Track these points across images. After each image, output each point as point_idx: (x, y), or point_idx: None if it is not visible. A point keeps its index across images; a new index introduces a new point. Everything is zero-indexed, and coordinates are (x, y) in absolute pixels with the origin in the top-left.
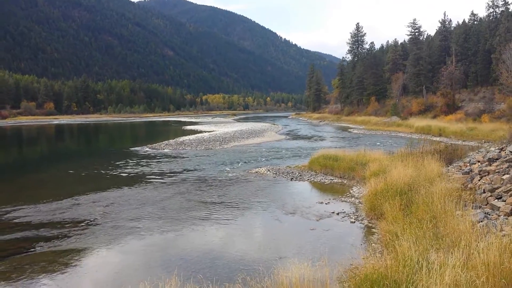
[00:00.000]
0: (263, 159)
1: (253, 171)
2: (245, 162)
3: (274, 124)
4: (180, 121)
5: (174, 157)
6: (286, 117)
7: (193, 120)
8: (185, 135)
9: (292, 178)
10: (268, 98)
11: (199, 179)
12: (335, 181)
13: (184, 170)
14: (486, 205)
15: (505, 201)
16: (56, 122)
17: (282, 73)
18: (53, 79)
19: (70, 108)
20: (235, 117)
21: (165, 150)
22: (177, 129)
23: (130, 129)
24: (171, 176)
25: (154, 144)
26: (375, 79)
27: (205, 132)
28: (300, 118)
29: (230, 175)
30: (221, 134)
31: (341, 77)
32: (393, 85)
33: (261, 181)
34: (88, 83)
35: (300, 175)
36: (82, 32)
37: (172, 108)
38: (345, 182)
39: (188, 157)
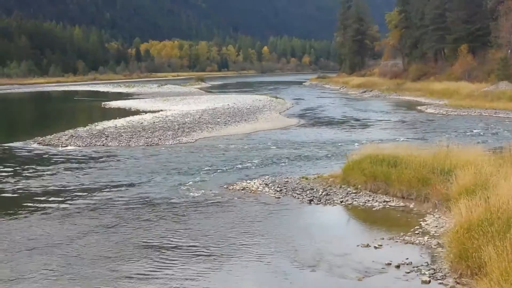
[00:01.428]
0: (256, 164)
1: (238, 187)
2: (222, 169)
3: (277, 98)
4: (99, 92)
5: (87, 160)
6: (299, 83)
7: (124, 90)
8: (108, 118)
9: (311, 200)
10: (266, 48)
11: (135, 201)
12: (392, 204)
13: (108, 184)
14: None
15: None
16: None
17: (291, 3)
18: None
19: None
20: (204, 85)
21: (70, 147)
22: (93, 108)
23: (2, 108)
24: (82, 197)
25: (49, 137)
26: (468, 12)
27: (147, 112)
28: (327, 86)
29: (194, 194)
30: (176, 117)
31: (404, 9)
32: (503, 23)
33: (253, 206)
34: None
35: (327, 194)
36: None
37: (83, 68)
38: (411, 206)
39: (114, 160)
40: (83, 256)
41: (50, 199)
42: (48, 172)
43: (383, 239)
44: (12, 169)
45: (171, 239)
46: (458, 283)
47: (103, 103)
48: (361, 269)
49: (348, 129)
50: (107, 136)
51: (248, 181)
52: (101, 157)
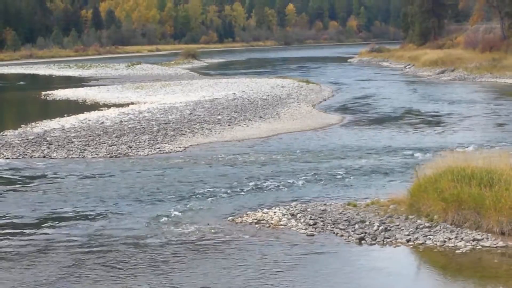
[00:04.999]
0: (277, 184)
1: (249, 219)
2: (224, 192)
3: (308, 83)
4: (37, 75)
5: (20, 179)
6: (343, 60)
7: (75, 73)
8: (52, 116)
9: (362, 238)
10: (291, 6)
11: (91, 243)
12: (486, 244)
13: (50, 217)
14: None
15: None
16: None
17: None
18: None
19: None
20: (197, 64)
21: None
22: (29, 100)
23: None
24: (9, 236)
25: None
26: None
27: (110, 106)
28: (385, 64)
29: (181, 230)
30: (155, 113)
31: None
32: None
33: (273, 248)
34: None
35: (386, 229)
36: None
37: (14, 40)
38: None
39: (59, 179)
40: None
41: None
42: None
43: None
44: None
45: None
46: None
47: (44, 92)
48: None
49: (418, 130)
50: (50, 143)
51: (265, 211)
52: (41, 175)
